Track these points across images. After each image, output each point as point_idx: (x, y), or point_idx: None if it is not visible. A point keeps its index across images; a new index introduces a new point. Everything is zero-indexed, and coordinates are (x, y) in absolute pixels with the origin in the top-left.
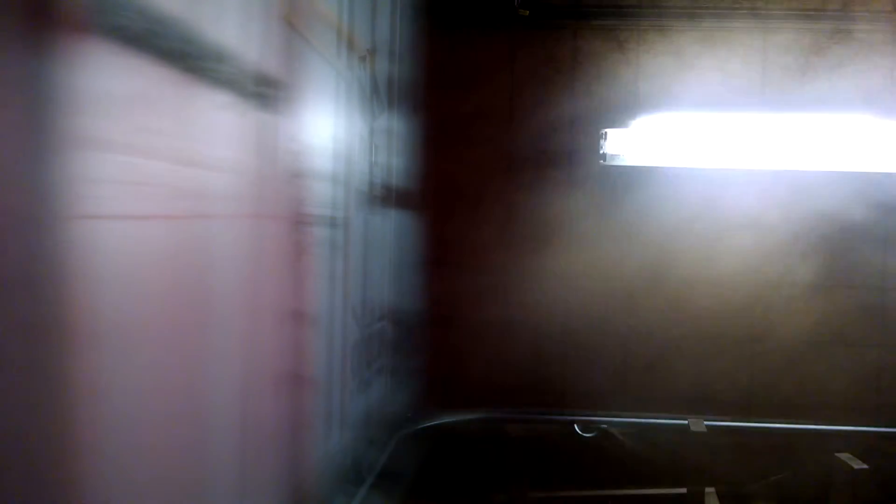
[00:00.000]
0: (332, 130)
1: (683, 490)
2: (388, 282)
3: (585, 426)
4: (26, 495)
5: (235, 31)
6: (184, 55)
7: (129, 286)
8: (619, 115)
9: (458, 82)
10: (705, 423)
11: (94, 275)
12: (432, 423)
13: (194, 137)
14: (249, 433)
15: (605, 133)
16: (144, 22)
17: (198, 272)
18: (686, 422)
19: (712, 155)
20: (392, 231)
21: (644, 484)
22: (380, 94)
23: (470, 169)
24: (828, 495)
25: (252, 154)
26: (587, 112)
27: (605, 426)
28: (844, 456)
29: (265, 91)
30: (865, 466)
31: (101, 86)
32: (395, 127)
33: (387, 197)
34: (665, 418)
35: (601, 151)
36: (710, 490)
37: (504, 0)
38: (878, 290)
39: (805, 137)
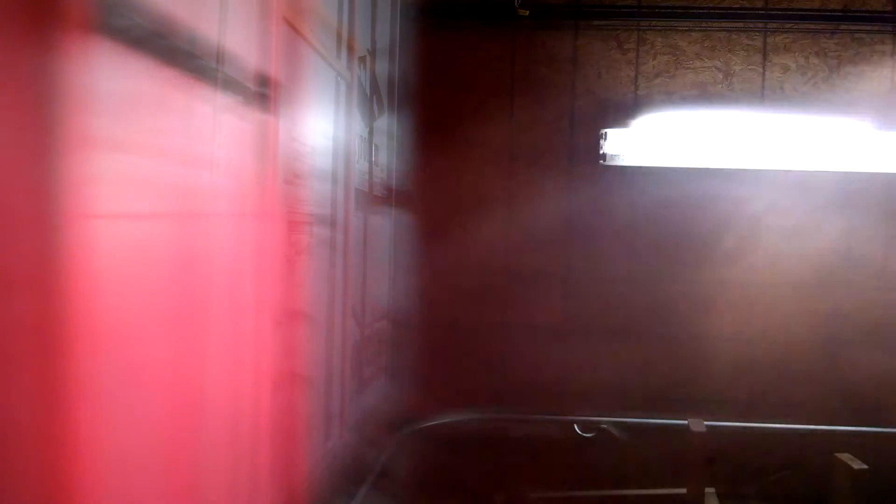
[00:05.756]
0: (332, 131)
1: (683, 490)
2: (387, 282)
3: (585, 426)
4: (26, 496)
5: (235, 32)
6: (184, 56)
7: (128, 285)
8: (619, 115)
9: (458, 82)
10: (705, 423)
11: (94, 274)
12: (432, 423)
13: (194, 137)
14: (247, 433)
15: (605, 133)
16: (146, 23)
17: (197, 272)
18: (686, 422)
19: (712, 155)
20: (391, 231)
21: (644, 484)
22: (379, 95)
23: (470, 169)
24: (828, 495)
25: (252, 154)
26: (587, 112)
27: (605, 426)
28: (844, 456)
29: (265, 91)
30: (865, 466)
31: (102, 86)
32: (395, 127)
33: (386, 197)
34: (665, 418)
35: (601, 151)
36: (710, 490)
37: (504, 0)
38: (879, 289)
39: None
